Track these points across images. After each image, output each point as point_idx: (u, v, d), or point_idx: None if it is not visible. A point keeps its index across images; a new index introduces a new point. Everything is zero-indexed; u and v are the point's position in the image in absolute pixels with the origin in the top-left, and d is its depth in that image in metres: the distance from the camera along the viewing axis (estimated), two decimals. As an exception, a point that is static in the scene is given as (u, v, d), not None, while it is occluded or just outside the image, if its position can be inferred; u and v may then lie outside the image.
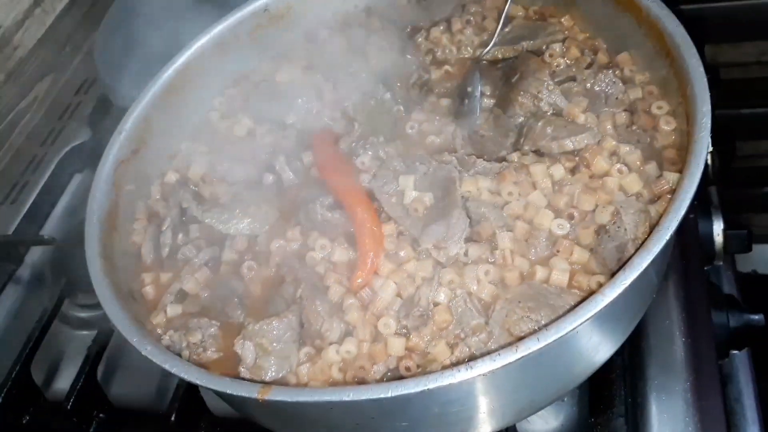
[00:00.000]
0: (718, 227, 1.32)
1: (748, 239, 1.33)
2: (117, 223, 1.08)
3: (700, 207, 1.33)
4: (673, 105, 0.99)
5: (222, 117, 1.26)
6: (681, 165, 0.87)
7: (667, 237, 0.78)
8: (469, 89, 1.07)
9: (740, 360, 1.35)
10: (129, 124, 1.14)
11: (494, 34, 1.18)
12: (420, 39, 1.24)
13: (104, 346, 1.21)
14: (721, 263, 1.40)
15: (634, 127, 1.00)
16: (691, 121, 0.88)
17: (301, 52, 1.32)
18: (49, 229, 1.48)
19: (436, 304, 0.88)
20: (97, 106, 1.68)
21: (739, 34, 2.23)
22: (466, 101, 1.07)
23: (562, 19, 1.20)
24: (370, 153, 1.06)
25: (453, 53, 1.22)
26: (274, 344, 0.87)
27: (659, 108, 1.00)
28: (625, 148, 0.96)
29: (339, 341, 0.88)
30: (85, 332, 1.33)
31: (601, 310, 0.75)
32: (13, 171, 1.51)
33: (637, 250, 0.81)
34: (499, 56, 1.18)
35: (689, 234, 1.19)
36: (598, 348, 0.91)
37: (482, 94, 1.08)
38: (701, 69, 0.91)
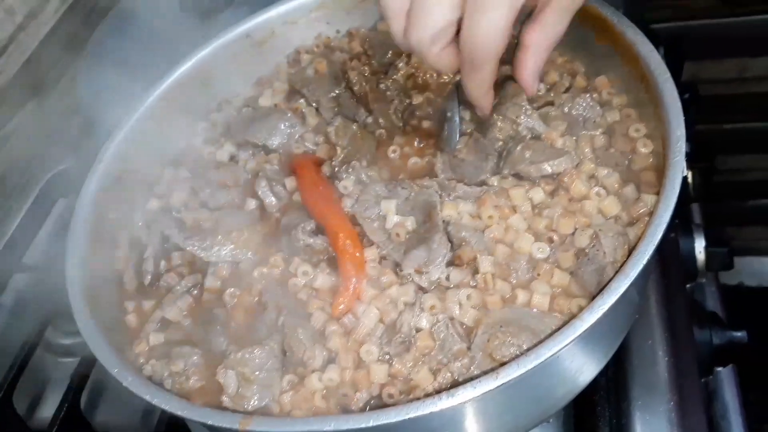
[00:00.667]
0: (699, 245, 1.34)
1: (729, 257, 1.34)
2: (98, 251, 1.07)
3: (681, 225, 1.34)
4: (650, 128, 1.00)
5: (205, 142, 1.26)
6: (659, 187, 0.88)
7: (644, 261, 0.79)
8: (449, 114, 1.08)
9: (725, 376, 1.36)
10: (109, 152, 1.14)
11: (474, 58, 1.19)
12: (401, 64, 1.25)
13: (88, 373, 1.20)
14: (704, 280, 1.42)
15: (612, 150, 1.01)
16: (666, 145, 0.89)
17: (284, 76, 1.33)
18: (32, 255, 1.46)
19: (418, 330, 0.88)
20: (80, 131, 1.68)
21: (720, 51, 2.26)
22: (446, 126, 1.08)
23: (541, 43, 1.21)
24: (352, 177, 1.07)
25: (434, 78, 1.23)
26: (257, 373, 0.87)
27: (637, 131, 1.01)
28: (603, 171, 0.97)
29: (322, 369, 0.88)
30: (68, 360, 1.31)
31: (580, 334, 0.75)
32: (-5, 197, 1.50)
33: (616, 273, 0.82)
34: (479, 80, 1.19)
35: (670, 253, 1.20)
36: (582, 370, 0.91)
37: (461, 118, 1.09)
38: (675, 93, 0.92)
